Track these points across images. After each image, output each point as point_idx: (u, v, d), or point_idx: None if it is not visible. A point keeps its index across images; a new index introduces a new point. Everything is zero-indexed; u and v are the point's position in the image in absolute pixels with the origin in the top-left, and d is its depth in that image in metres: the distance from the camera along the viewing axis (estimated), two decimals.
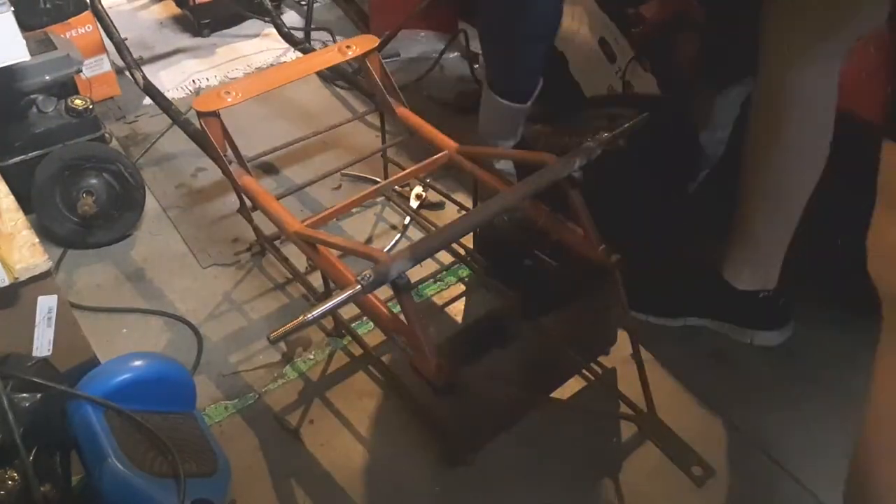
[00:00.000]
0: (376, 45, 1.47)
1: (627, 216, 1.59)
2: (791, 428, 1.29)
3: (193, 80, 2.26)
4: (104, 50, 2.00)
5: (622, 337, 1.34)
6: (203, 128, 1.34)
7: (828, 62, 1.15)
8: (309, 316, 0.90)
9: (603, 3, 1.96)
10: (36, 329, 1.07)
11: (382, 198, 1.76)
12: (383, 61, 1.49)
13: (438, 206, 1.74)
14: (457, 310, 1.52)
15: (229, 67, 2.33)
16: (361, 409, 1.33)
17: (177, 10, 2.58)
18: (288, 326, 0.90)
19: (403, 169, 1.53)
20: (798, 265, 1.48)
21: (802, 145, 1.23)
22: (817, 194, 1.31)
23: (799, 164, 1.25)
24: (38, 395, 0.98)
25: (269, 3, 2.14)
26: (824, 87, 1.18)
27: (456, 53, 2.33)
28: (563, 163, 1.12)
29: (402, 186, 1.75)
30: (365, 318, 1.46)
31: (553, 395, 1.29)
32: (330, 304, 0.92)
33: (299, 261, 1.53)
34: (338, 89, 2.19)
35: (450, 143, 1.39)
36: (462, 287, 1.57)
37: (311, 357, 1.43)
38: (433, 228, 1.60)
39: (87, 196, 1.59)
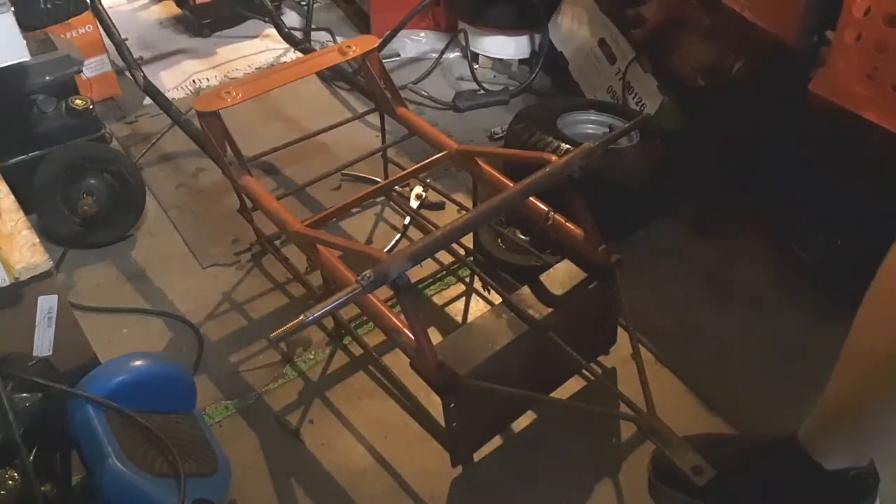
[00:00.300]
0: (376, 45, 1.47)
1: None
2: (791, 427, 1.28)
3: (194, 81, 2.27)
4: (104, 50, 2.00)
5: (622, 337, 1.34)
6: (203, 128, 1.34)
7: None
8: (309, 316, 0.90)
9: (603, 4, 1.96)
10: (36, 329, 1.07)
11: (382, 198, 1.76)
12: (383, 61, 1.49)
13: (438, 206, 1.74)
14: (457, 310, 1.52)
15: (229, 67, 2.33)
16: (361, 409, 1.33)
17: (177, 11, 2.59)
18: (288, 327, 0.90)
19: (403, 169, 1.53)
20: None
21: None
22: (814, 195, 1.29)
23: None
24: (39, 395, 0.98)
25: (270, 3, 2.14)
26: None
27: (456, 53, 2.34)
28: (563, 163, 1.12)
29: (402, 186, 1.75)
30: (365, 318, 1.46)
31: (553, 395, 1.30)
32: (330, 304, 0.92)
33: (299, 261, 1.53)
34: (338, 89, 2.19)
35: (450, 143, 1.39)
36: (462, 287, 1.57)
37: (312, 357, 1.43)
38: (433, 228, 1.60)
39: (88, 196, 1.59)
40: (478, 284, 1.56)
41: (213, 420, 1.31)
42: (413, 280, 1.55)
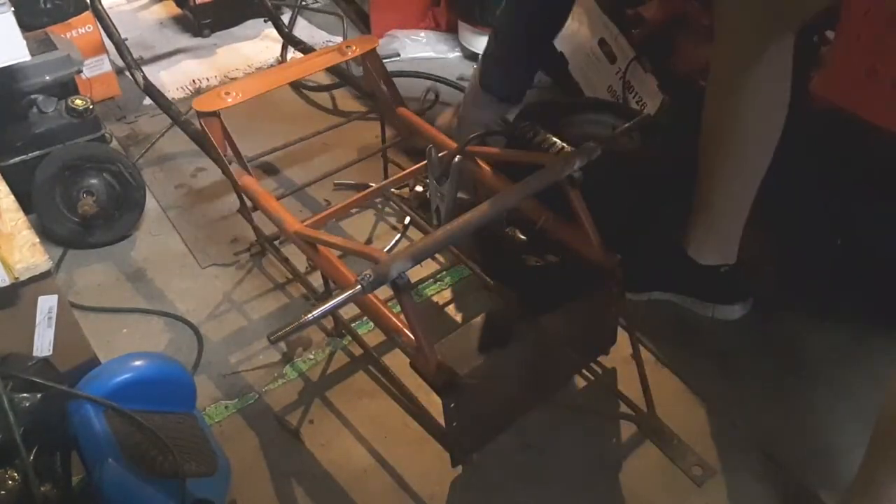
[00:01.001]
0: (376, 45, 1.47)
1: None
2: (791, 427, 1.29)
3: (194, 81, 2.26)
4: (104, 50, 2.00)
5: (622, 337, 1.34)
6: (203, 128, 1.34)
7: (777, 50, 1.19)
8: (309, 316, 0.90)
9: (603, 4, 1.96)
10: (36, 329, 1.07)
11: (382, 198, 1.76)
12: (383, 61, 1.49)
13: None
14: (457, 310, 1.52)
15: (229, 67, 2.33)
16: (361, 409, 1.33)
17: (177, 11, 2.58)
18: (289, 327, 0.90)
19: (403, 169, 1.53)
20: (797, 266, 1.48)
21: (755, 131, 1.27)
22: (814, 195, 1.31)
23: (752, 150, 1.29)
24: (39, 395, 0.97)
25: (270, 4, 2.14)
26: (775, 74, 1.22)
27: (456, 53, 2.33)
28: (563, 163, 1.12)
29: (401, 186, 1.75)
30: (365, 318, 1.46)
31: (553, 395, 1.29)
32: (330, 304, 0.92)
33: (299, 261, 1.53)
34: (337, 89, 2.18)
35: (450, 143, 1.39)
36: (462, 287, 1.57)
37: (312, 357, 1.43)
38: (433, 228, 1.60)
39: (88, 196, 1.59)
40: None
41: (213, 420, 1.31)
42: (413, 280, 1.55)
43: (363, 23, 2.48)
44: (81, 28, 1.93)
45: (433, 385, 1.06)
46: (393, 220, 1.73)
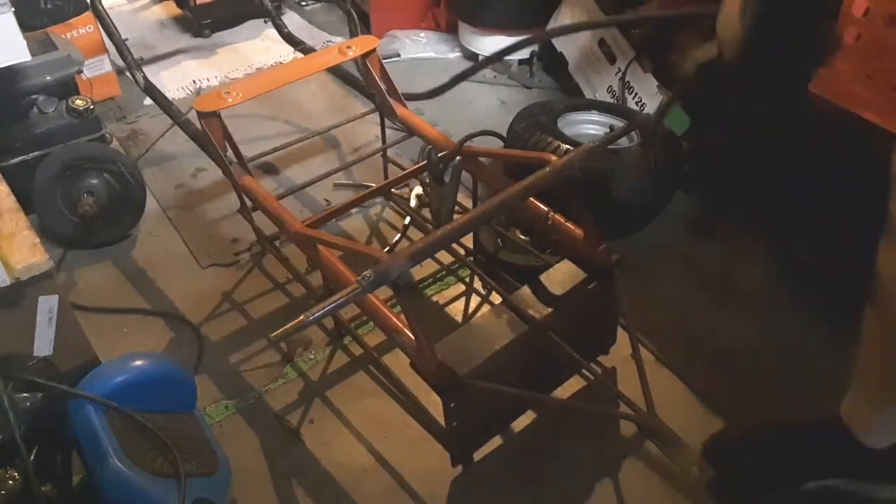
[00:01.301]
0: (376, 45, 1.47)
1: None
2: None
3: (194, 81, 2.27)
4: (105, 50, 2.00)
5: (622, 337, 1.34)
6: (203, 128, 1.34)
7: None
8: (309, 316, 0.90)
9: (603, 4, 1.96)
10: (37, 329, 1.07)
11: (382, 198, 1.76)
12: (383, 61, 1.49)
13: None
14: (457, 310, 1.52)
15: (229, 68, 2.34)
16: (361, 409, 1.33)
17: (177, 11, 2.59)
18: (288, 326, 0.90)
19: (403, 169, 1.53)
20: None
21: None
22: (814, 195, 1.29)
23: None
24: (39, 395, 0.98)
25: (270, 4, 2.15)
26: None
27: (456, 53, 2.34)
28: (563, 163, 1.12)
29: (401, 187, 1.75)
30: (365, 317, 1.46)
31: (553, 395, 1.30)
32: (330, 304, 0.92)
33: (299, 261, 1.53)
34: (337, 89, 2.18)
35: (450, 143, 1.39)
36: (462, 287, 1.57)
37: (312, 357, 1.43)
38: (433, 228, 1.60)
39: (88, 196, 1.60)
40: (478, 284, 1.56)
41: (213, 420, 1.31)
42: (413, 280, 1.55)
43: (363, 23, 2.48)
44: (82, 28, 1.93)
45: (433, 385, 1.06)
46: (393, 220, 1.73)
